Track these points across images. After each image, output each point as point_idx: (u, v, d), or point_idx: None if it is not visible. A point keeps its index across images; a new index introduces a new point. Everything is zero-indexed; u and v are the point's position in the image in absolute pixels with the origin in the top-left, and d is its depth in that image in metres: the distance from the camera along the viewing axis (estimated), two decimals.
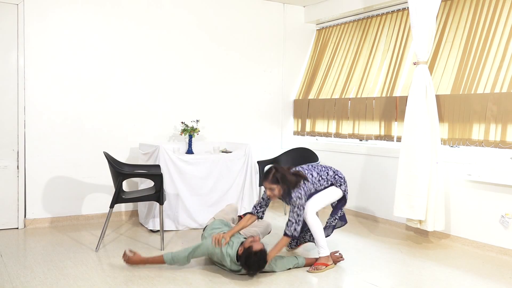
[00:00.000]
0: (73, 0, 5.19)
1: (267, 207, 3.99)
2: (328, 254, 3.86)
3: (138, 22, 5.58)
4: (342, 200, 4.13)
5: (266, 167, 4.06)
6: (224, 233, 3.74)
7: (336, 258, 3.95)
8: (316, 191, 3.94)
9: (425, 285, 3.59)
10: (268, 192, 3.80)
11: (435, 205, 4.51)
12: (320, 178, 3.96)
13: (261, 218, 4.01)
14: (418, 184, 4.50)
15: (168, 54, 5.78)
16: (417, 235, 4.96)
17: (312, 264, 3.84)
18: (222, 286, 3.47)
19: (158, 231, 4.86)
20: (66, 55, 5.20)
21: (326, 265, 3.81)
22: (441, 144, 4.66)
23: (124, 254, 3.78)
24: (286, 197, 3.83)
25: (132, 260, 3.77)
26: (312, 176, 3.93)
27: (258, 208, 3.95)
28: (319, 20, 6.61)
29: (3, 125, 4.93)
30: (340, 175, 4.09)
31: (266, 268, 3.68)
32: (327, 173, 4.03)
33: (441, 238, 4.79)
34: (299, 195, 3.76)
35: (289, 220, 3.77)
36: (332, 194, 4.03)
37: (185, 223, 5.07)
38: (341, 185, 4.05)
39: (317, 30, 6.86)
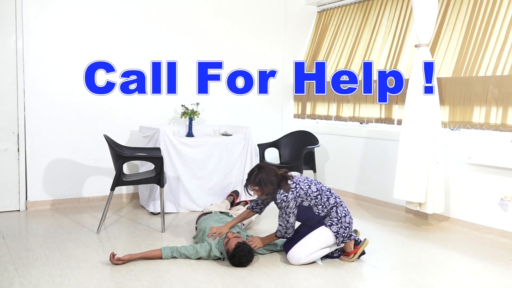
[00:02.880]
0: None
1: (266, 205, 3.85)
2: (343, 244, 3.67)
3: (139, 2, 5.53)
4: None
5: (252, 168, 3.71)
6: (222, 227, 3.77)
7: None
8: (310, 209, 3.56)
9: (424, 267, 3.62)
10: (254, 193, 3.64)
11: (435, 188, 4.53)
12: (319, 196, 3.56)
13: (259, 213, 3.91)
14: (418, 167, 4.51)
15: (168, 37, 5.74)
16: (417, 218, 4.98)
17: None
18: (221, 265, 3.51)
19: (159, 213, 4.89)
20: (66, 37, 5.16)
21: (354, 252, 3.67)
22: (442, 127, 4.65)
23: (112, 257, 3.51)
24: (273, 198, 3.60)
25: (122, 260, 3.53)
26: (310, 188, 3.56)
27: (254, 205, 3.85)
28: (320, 2, 6.55)
29: (3, 108, 4.91)
30: (339, 213, 3.56)
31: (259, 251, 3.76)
32: (328, 199, 3.57)
33: (441, 220, 4.81)
34: (284, 198, 3.48)
35: (279, 224, 3.61)
36: (320, 238, 3.55)
37: (185, 206, 5.09)
38: (331, 225, 3.54)
39: (318, 12, 6.80)
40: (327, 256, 3.70)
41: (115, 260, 3.48)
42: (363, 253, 3.72)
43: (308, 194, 3.54)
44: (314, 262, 3.63)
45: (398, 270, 3.58)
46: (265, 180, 3.51)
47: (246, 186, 3.66)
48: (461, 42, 4.77)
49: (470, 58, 4.64)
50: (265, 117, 6.51)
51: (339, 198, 3.66)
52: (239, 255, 3.45)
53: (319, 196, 3.56)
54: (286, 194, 3.50)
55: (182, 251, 3.62)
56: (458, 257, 3.84)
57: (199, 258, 3.63)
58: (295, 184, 3.56)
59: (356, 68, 5.88)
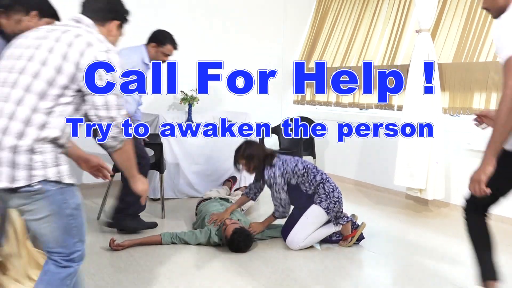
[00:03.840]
0: None
1: (260, 190, 3.94)
2: (341, 227, 3.68)
3: (139, 2, 5.49)
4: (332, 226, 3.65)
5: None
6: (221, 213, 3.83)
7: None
8: (298, 186, 3.63)
9: (424, 253, 3.63)
10: (242, 167, 3.80)
11: (435, 174, 4.53)
12: (306, 174, 3.62)
13: (254, 200, 4.04)
14: (418, 153, 4.51)
15: (167, 24, 5.69)
16: (417, 204, 4.99)
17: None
18: (221, 251, 3.52)
19: (158, 199, 4.89)
20: (64, 18, 5.12)
21: (352, 235, 3.68)
22: (442, 113, 4.64)
23: (112, 243, 3.54)
24: (261, 175, 3.73)
25: (122, 246, 3.55)
26: (296, 166, 3.63)
27: (248, 190, 3.97)
28: None
29: None
30: (326, 189, 3.58)
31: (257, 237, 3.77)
32: (314, 176, 3.62)
33: (441, 206, 4.82)
34: (272, 175, 3.62)
35: (274, 204, 3.72)
36: (314, 217, 3.57)
37: (185, 192, 5.10)
38: (321, 201, 3.56)
39: None
40: (325, 241, 3.72)
41: (115, 246, 3.49)
42: (362, 238, 3.73)
43: (295, 172, 3.62)
44: (312, 246, 3.65)
45: (397, 255, 3.59)
46: (252, 154, 3.70)
47: (234, 160, 3.81)
48: (462, 27, 4.73)
49: (470, 44, 4.61)
50: (264, 103, 6.49)
51: (326, 175, 3.70)
52: (237, 240, 3.47)
53: (305, 174, 3.63)
54: (274, 171, 3.62)
55: (181, 237, 3.63)
56: (457, 243, 3.85)
57: (198, 244, 3.65)
58: (281, 161, 3.67)
59: (356, 54, 5.85)
